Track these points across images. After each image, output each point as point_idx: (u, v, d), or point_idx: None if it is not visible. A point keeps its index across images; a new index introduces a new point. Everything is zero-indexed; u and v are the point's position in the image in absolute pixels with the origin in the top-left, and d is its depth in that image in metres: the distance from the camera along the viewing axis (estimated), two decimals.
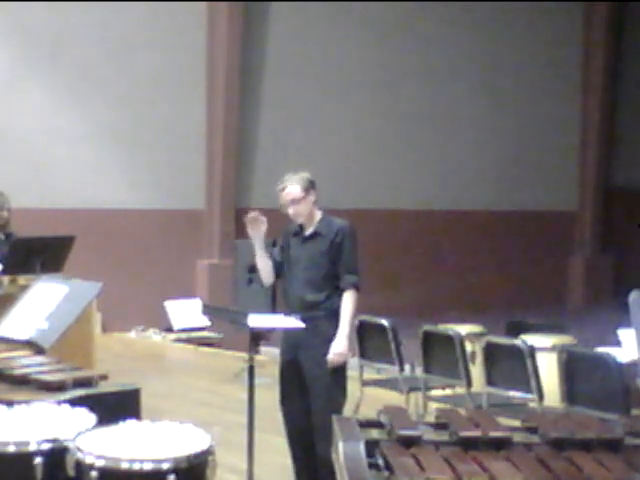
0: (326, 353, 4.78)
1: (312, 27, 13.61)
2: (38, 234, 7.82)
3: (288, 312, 4.88)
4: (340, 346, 4.80)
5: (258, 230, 4.97)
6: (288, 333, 4.93)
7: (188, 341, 11.24)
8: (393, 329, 6.52)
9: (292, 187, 4.87)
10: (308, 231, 4.94)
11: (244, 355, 5.07)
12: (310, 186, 4.90)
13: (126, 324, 11.65)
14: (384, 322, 6.55)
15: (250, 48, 12.92)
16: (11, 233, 7.75)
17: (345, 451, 2.53)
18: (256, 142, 13.23)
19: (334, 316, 4.84)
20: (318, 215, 4.96)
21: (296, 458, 4.95)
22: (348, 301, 4.84)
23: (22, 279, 7.14)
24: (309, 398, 4.83)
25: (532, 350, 5.75)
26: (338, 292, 4.85)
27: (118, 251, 11.89)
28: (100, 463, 2.94)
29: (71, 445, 3.03)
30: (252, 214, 4.99)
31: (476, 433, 2.71)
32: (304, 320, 4.71)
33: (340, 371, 4.86)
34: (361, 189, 13.98)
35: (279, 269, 5.01)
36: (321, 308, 4.83)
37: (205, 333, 11.48)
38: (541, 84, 15.96)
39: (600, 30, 16.21)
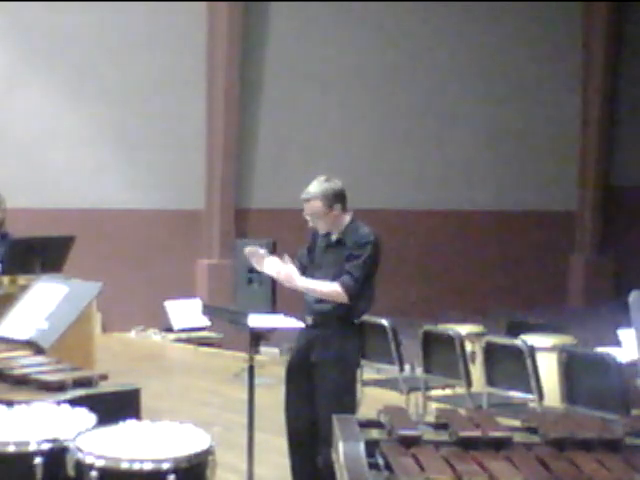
0: (337, 359, 4.68)
1: (312, 27, 13.60)
2: (38, 234, 7.82)
3: (304, 314, 4.79)
4: (284, 269, 4.65)
5: (261, 261, 4.78)
6: (300, 335, 4.85)
7: (188, 341, 11.24)
8: (393, 329, 6.52)
9: (314, 202, 4.66)
10: (333, 237, 4.78)
11: (244, 355, 5.07)
12: (335, 201, 4.67)
13: (126, 324, 11.65)
14: (384, 322, 6.55)
15: (250, 48, 12.93)
16: (7, 233, 7.73)
17: (345, 451, 2.54)
18: (256, 142, 13.23)
19: (347, 323, 4.73)
20: (346, 220, 4.76)
21: (294, 457, 4.90)
22: (328, 285, 4.62)
23: (22, 279, 7.13)
24: (315, 402, 4.73)
25: (532, 350, 5.75)
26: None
27: (118, 251, 11.89)
28: (100, 463, 2.94)
29: (71, 445, 3.03)
30: (248, 249, 4.80)
31: (476, 433, 2.71)
32: (316, 325, 4.67)
33: (349, 377, 4.78)
34: (361, 189, 13.92)
35: (304, 273, 4.82)
36: (334, 316, 4.70)
37: (205, 333, 11.48)
38: (541, 84, 15.95)
39: (600, 30, 16.20)
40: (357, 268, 4.63)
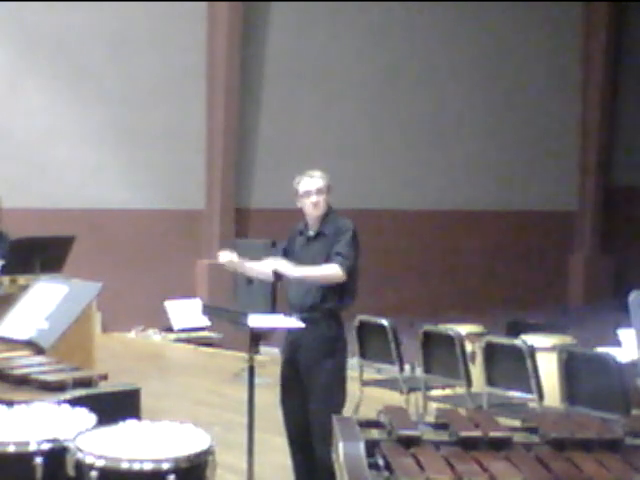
0: (325, 354, 4.75)
1: (312, 27, 13.61)
2: (38, 234, 7.81)
3: (289, 312, 4.85)
4: (281, 266, 4.79)
5: (233, 263, 4.98)
6: (289, 333, 4.91)
7: (188, 341, 11.24)
8: (393, 329, 6.52)
9: (319, 179, 4.88)
10: (313, 231, 4.89)
11: (244, 355, 5.06)
12: (329, 185, 4.93)
13: (126, 324, 11.65)
14: (384, 322, 6.55)
15: (250, 48, 12.93)
16: (1, 233, 7.72)
17: (345, 451, 2.53)
18: (256, 142, 13.23)
19: (333, 317, 4.80)
20: (325, 215, 4.89)
21: (296, 458, 4.94)
22: (323, 266, 4.73)
23: (22, 279, 7.12)
24: (308, 398, 4.80)
25: (532, 350, 5.74)
26: (336, 294, 4.77)
27: (118, 251, 11.90)
28: (100, 463, 2.94)
29: (71, 445, 3.03)
30: (223, 258, 4.96)
31: (476, 433, 2.71)
32: (303, 321, 4.69)
33: (339, 372, 4.83)
34: (361, 189, 13.98)
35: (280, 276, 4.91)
36: (320, 309, 4.77)
37: (205, 333, 11.48)
38: (541, 84, 15.97)
39: (600, 30, 16.21)
40: (345, 247, 4.75)
